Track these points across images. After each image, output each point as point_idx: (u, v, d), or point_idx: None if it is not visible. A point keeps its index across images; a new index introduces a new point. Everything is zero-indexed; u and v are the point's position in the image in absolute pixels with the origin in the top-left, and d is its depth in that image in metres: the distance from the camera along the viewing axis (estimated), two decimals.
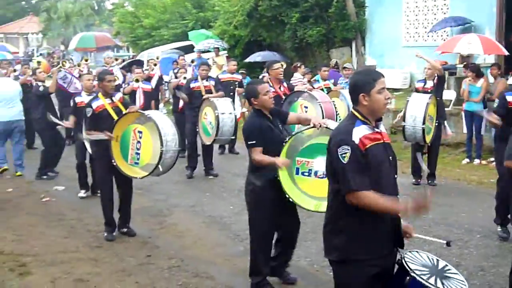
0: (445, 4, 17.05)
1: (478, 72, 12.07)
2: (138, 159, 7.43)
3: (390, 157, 3.87)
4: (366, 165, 3.69)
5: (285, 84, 10.28)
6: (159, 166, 7.24)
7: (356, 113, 3.85)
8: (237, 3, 22.13)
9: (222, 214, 8.81)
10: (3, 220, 8.75)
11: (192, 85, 11.44)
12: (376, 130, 3.84)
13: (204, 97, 10.95)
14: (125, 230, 7.99)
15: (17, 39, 56.39)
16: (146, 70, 15.54)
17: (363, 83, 3.82)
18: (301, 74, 14.72)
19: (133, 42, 31.62)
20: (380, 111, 3.85)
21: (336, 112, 10.05)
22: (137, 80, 13.11)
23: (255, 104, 5.81)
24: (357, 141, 3.70)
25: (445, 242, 4.12)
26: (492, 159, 10.54)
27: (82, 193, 10.09)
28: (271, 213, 5.83)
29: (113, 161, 7.48)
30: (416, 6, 17.82)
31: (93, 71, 15.47)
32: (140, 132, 7.39)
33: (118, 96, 8.02)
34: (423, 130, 9.42)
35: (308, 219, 8.35)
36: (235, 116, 10.50)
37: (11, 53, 32.77)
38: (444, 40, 16.44)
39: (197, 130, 10.93)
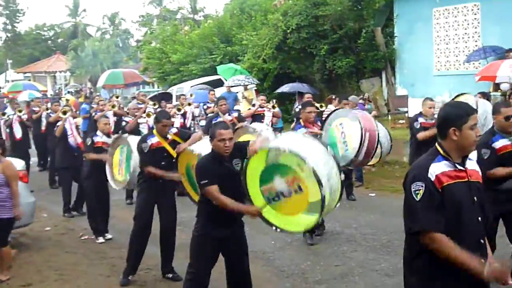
0: (476, 32, 16.96)
1: None
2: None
3: (475, 197, 3.57)
4: (441, 204, 3.45)
5: (319, 123, 9.69)
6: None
7: (439, 148, 3.64)
8: (265, 37, 22.29)
9: (265, 249, 8.70)
10: (45, 259, 8.67)
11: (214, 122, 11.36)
12: (459, 167, 3.60)
13: (236, 126, 10.94)
14: (170, 275, 7.68)
15: (45, 78, 57.07)
16: (176, 105, 15.61)
17: (455, 116, 3.58)
18: (334, 106, 14.62)
19: (161, 77, 31.90)
20: (469, 148, 3.62)
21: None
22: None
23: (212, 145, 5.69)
24: (432, 178, 3.49)
25: None
26: None
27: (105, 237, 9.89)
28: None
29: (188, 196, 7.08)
30: (447, 35, 17.74)
31: (124, 107, 15.62)
32: None
33: (172, 131, 7.75)
34: None
35: (352, 253, 8.23)
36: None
37: (40, 91, 33.20)
38: (476, 68, 16.31)
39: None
